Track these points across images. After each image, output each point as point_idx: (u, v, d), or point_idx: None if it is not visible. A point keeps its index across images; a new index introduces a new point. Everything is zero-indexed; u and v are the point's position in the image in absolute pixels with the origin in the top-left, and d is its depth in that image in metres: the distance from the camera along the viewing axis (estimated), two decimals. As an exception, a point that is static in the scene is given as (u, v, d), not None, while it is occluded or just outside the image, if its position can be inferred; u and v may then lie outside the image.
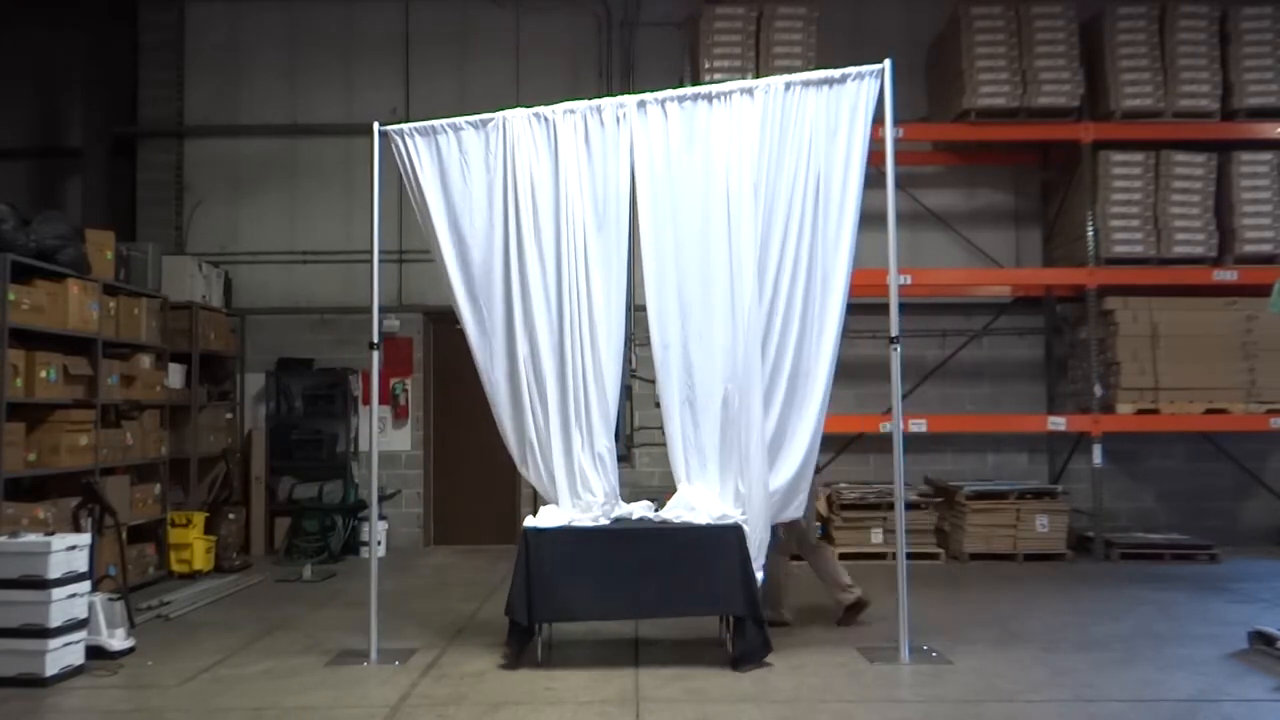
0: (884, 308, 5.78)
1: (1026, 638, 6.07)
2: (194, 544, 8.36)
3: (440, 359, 9.95)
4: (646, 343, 6.17)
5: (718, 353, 5.76)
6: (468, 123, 5.93)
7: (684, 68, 9.64)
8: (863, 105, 5.77)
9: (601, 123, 5.86)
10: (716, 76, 8.87)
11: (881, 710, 4.77)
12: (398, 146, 5.94)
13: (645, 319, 5.97)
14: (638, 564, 5.49)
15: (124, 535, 6.78)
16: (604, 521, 5.70)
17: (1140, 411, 8.94)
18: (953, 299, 9.99)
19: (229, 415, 9.74)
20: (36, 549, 5.26)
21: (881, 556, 8.58)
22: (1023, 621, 6.51)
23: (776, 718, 4.66)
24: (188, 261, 9.45)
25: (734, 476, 5.72)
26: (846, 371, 9.41)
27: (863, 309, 9.08)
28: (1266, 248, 9.09)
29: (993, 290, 10.08)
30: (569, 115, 5.87)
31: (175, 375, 8.79)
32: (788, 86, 5.79)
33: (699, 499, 5.74)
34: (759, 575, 5.54)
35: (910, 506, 8.12)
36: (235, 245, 10.22)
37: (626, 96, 5.96)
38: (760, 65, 8.96)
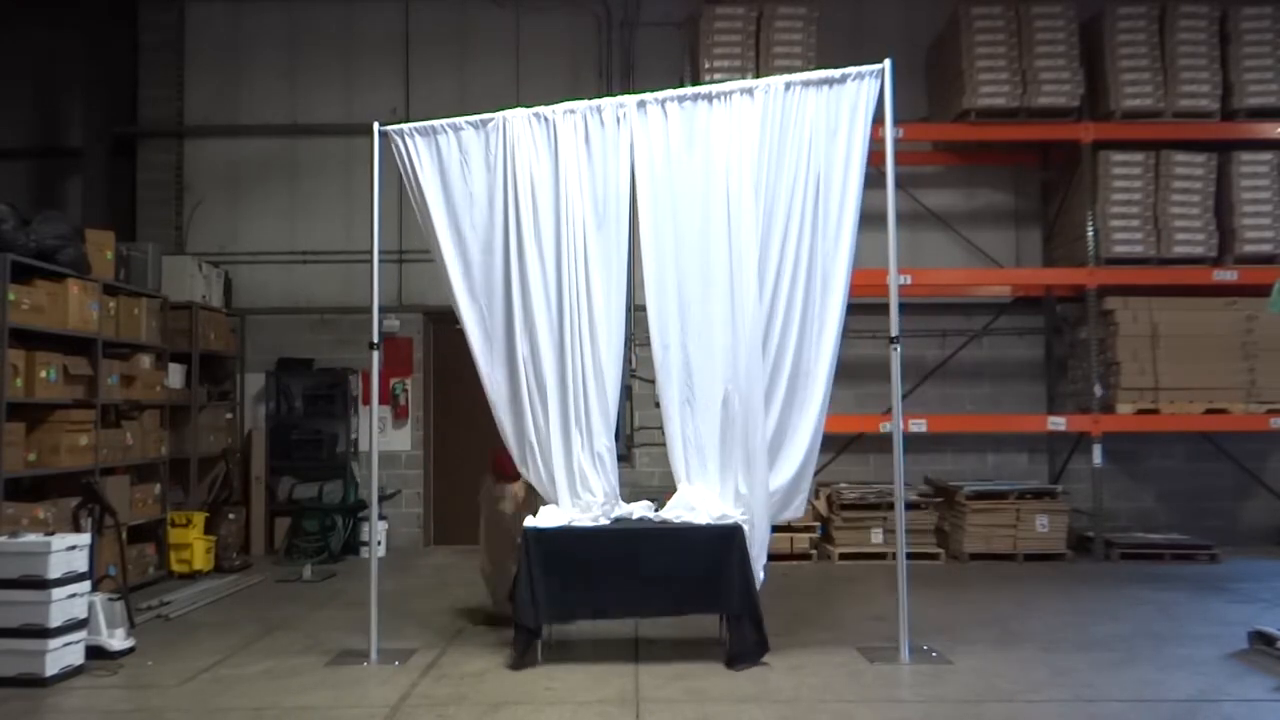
0: (884, 308, 5.78)
1: (1026, 638, 6.07)
2: (194, 544, 8.36)
3: (440, 359, 9.95)
4: (646, 343, 6.17)
5: (718, 353, 5.76)
6: (468, 123, 5.93)
7: (684, 68, 9.64)
8: (863, 105, 5.77)
9: (601, 123, 5.86)
10: (716, 76, 8.87)
11: (881, 710, 4.77)
12: (397, 146, 5.95)
13: (645, 319, 5.97)
14: (638, 564, 5.49)
15: (124, 535, 6.78)
16: (604, 521, 5.70)
17: (1140, 411, 8.94)
18: (953, 299, 9.99)
19: (229, 415, 9.74)
20: (36, 549, 5.26)
21: (881, 556, 8.58)
22: (1023, 621, 6.51)
23: (777, 718, 4.66)
24: (188, 261, 9.45)
25: (734, 476, 5.73)
26: (846, 371, 9.42)
27: (863, 309, 9.08)
28: (1266, 248, 9.09)
29: (993, 290, 10.08)
30: (569, 115, 5.87)
31: (175, 375, 8.79)
32: (788, 86, 5.79)
33: (699, 499, 5.75)
34: (759, 575, 5.55)
35: (910, 506, 8.12)
36: (235, 245, 10.22)
37: (626, 96, 5.97)
38: (760, 65, 8.97)
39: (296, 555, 9.04)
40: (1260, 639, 5.70)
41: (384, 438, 9.61)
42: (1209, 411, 8.92)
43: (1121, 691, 4.99)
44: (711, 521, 5.59)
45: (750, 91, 5.80)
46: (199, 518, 8.54)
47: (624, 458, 5.91)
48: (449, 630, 6.32)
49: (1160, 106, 9.08)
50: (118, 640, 5.72)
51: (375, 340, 5.96)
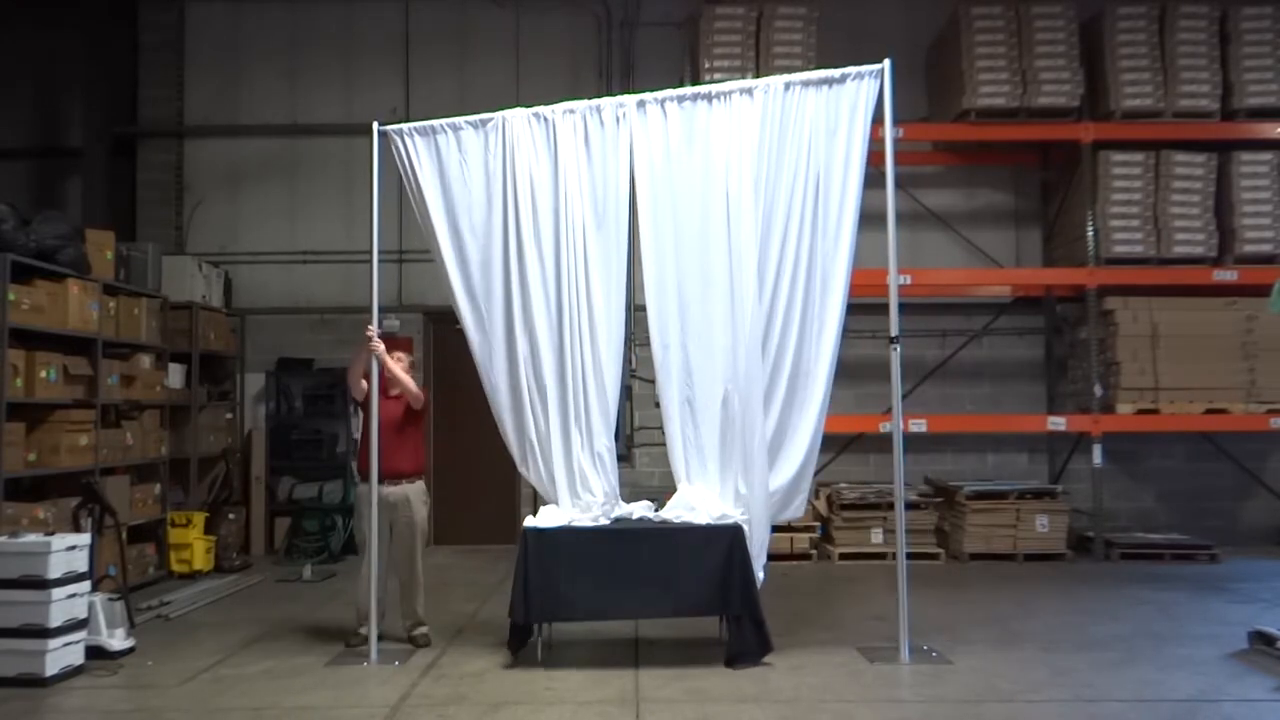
0: (884, 308, 5.78)
1: (1026, 638, 6.07)
2: (194, 544, 8.36)
3: (440, 359, 9.96)
4: (646, 343, 6.17)
5: (717, 352, 5.76)
6: (467, 122, 5.93)
7: (684, 68, 9.64)
8: (862, 105, 5.77)
9: (601, 122, 5.86)
10: (716, 76, 8.87)
11: (881, 710, 4.77)
12: (397, 146, 5.94)
13: (645, 319, 5.97)
14: (638, 564, 5.49)
15: (124, 535, 6.78)
16: (604, 521, 5.70)
17: (1140, 411, 8.94)
18: (953, 299, 9.99)
19: (229, 415, 9.74)
20: (36, 549, 5.26)
21: (881, 556, 8.58)
22: (1023, 621, 6.51)
23: (777, 718, 4.66)
24: (188, 261, 9.45)
25: (734, 476, 5.72)
26: (846, 371, 9.42)
27: (863, 309, 9.07)
28: (1266, 248, 9.09)
29: (993, 290, 10.08)
30: (569, 115, 5.87)
31: (175, 375, 8.79)
32: (787, 86, 5.79)
33: (699, 499, 5.74)
34: (759, 575, 5.55)
35: (910, 506, 8.12)
36: (235, 245, 10.22)
37: (626, 96, 5.97)
38: (760, 65, 8.97)
39: (296, 555, 9.05)
40: (1260, 639, 5.71)
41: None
42: (1209, 411, 8.92)
43: (1121, 691, 4.99)
44: (711, 521, 5.58)
45: (750, 91, 5.81)
46: (199, 518, 8.54)
47: (624, 458, 5.91)
48: (449, 630, 6.32)
49: (1160, 106, 9.08)
50: (118, 640, 5.72)
51: (377, 331, 5.94)
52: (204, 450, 9.17)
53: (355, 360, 6.05)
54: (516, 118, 5.90)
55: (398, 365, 6.05)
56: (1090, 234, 9.08)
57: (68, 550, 5.38)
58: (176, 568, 8.31)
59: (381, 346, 5.88)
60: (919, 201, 9.98)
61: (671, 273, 5.83)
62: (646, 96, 5.89)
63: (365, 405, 5.96)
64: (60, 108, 10.45)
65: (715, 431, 5.77)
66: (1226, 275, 8.96)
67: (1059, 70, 9.12)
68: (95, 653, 5.55)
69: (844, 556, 8.78)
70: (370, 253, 5.98)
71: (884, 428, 8.54)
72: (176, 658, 5.77)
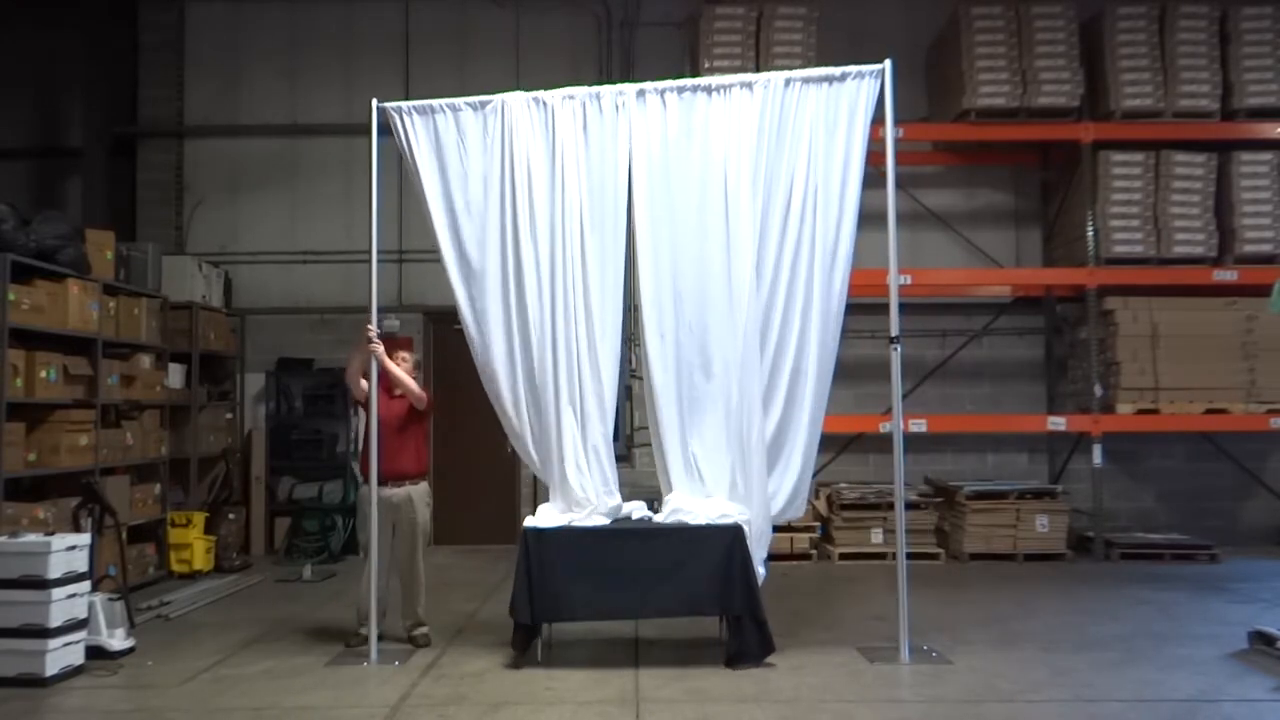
0: (884, 308, 5.78)
1: (1026, 638, 6.07)
2: (194, 544, 8.36)
3: (440, 359, 9.95)
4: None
5: (714, 345, 5.74)
6: (466, 103, 5.91)
7: (684, 68, 9.63)
8: (863, 104, 5.78)
9: (600, 109, 5.84)
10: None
11: (881, 710, 4.77)
12: (395, 124, 5.89)
13: (641, 317, 5.91)
14: (638, 564, 5.48)
15: (124, 535, 6.78)
16: (603, 521, 5.69)
17: (1140, 411, 8.94)
18: (953, 299, 9.99)
19: (229, 415, 9.74)
20: (36, 549, 5.26)
21: (881, 556, 8.58)
22: (1023, 621, 6.51)
23: (777, 718, 4.66)
24: (188, 261, 9.45)
25: (732, 474, 5.70)
26: (846, 371, 9.41)
27: (863, 309, 9.07)
28: (1266, 248, 9.09)
29: (993, 290, 10.08)
30: (568, 101, 5.85)
31: (175, 375, 8.79)
32: (787, 83, 5.80)
33: (698, 498, 5.73)
34: (760, 574, 5.54)
35: (910, 506, 8.11)
36: (235, 245, 10.22)
37: (626, 85, 5.95)
38: (760, 65, 8.96)
39: (296, 555, 9.05)
40: (1260, 639, 5.71)
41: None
42: (1209, 411, 8.92)
43: (1121, 691, 4.99)
44: (711, 521, 5.58)
45: (750, 85, 5.81)
46: (199, 518, 8.54)
47: (624, 458, 5.89)
48: (449, 630, 6.32)
49: (1160, 106, 9.08)
50: (118, 640, 5.72)
51: (376, 331, 5.94)
52: (204, 450, 9.17)
53: (352, 359, 6.05)
54: (515, 101, 5.88)
55: (401, 366, 6.05)
56: (1090, 234, 9.08)
57: (68, 550, 5.38)
58: (176, 568, 8.31)
59: (380, 348, 5.87)
60: (919, 201, 9.98)
61: (667, 264, 5.79)
62: (646, 86, 5.88)
63: (367, 405, 5.96)
64: (60, 108, 10.45)
65: (714, 428, 5.74)
66: (1226, 275, 8.96)
67: (1059, 70, 9.12)
68: (95, 653, 5.55)
69: (844, 556, 8.78)
70: (370, 253, 5.97)
71: (884, 428, 8.54)
72: (176, 658, 5.77)
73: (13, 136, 10.43)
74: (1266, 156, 9.21)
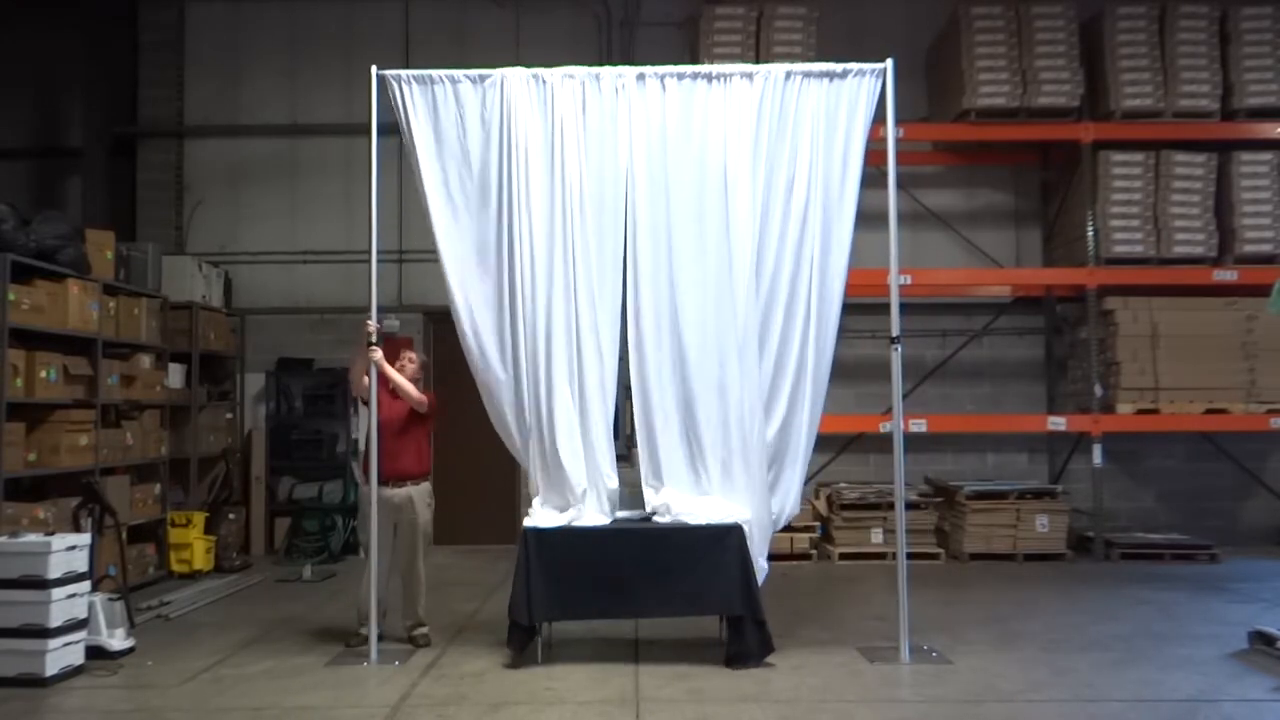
0: (884, 308, 5.78)
1: (1026, 638, 6.07)
2: (194, 544, 8.36)
3: (440, 359, 9.92)
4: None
5: (711, 338, 5.71)
6: (465, 76, 5.83)
7: (684, 67, 9.64)
8: (863, 102, 5.79)
9: (600, 91, 5.80)
10: (716, 76, 8.87)
11: (881, 710, 4.77)
12: (394, 93, 5.80)
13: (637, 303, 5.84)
14: (638, 564, 5.49)
15: (124, 535, 6.78)
16: (602, 516, 5.68)
17: (1140, 411, 8.94)
18: (953, 299, 9.99)
19: (229, 415, 9.74)
20: (36, 549, 5.26)
21: (881, 556, 8.58)
22: (1023, 621, 6.51)
23: (777, 718, 4.66)
24: (188, 261, 9.44)
25: (731, 472, 5.69)
26: (846, 371, 9.47)
27: (863, 309, 9.08)
28: (1266, 248, 9.09)
29: (993, 290, 10.08)
30: (568, 80, 5.81)
31: (175, 375, 8.79)
32: (788, 75, 5.80)
33: (693, 496, 5.72)
34: (761, 573, 5.54)
35: (910, 506, 8.11)
36: (235, 245, 10.22)
37: (626, 68, 5.92)
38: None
39: (296, 555, 9.05)
40: (1260, 639, 5.71)
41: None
42: (1209, 411, 8.92)
43: (1121, 691, 4.99)
44: (711, 521, 5.57)
45: (750, 76, 5.81)
46: (199, 518, 8.53)
47: (623, 457, 5.87)
48: (449, 630, 6.32)
49: (1160, 106, 9.08)
50: (118, 640, 5.72)
51: (375, 340, 5.94)
52: (204, 450, 9.17)
53: (355, 363, 6.04)
54: (515, 76, 5.83)
55: (408, 367, 6.05)
56: (1090, 234, 9.08)
57: (68, 550, 5.38)
58: (176, 568, 8.30)
59: (379, 355, 5.86)
60: (919, 201, 9.98)
61: (665, 251, 5.76)
62: (646, 70, 5.86)
63: (369, 404, 5.95)
64: (60, 108, 10.45)
65: (709, 422, 5.71)
66: (1226, 275, 8.96)
67: (1059, 70, 9.12)
68: (95, 653, 5.55)
69: (844, 556, 8.78)
70: (370, 253, 5.96)
71: (884, 428, 8.54)
72: (176, 658, 5.76)
73: (13, 136, 10.43)
74: (1266, 156, 9.21)
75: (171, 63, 10.36)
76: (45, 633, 5.17)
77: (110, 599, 5.82)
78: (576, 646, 5.89)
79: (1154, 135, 9.17)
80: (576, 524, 5.63)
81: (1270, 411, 8.86)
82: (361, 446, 6.22)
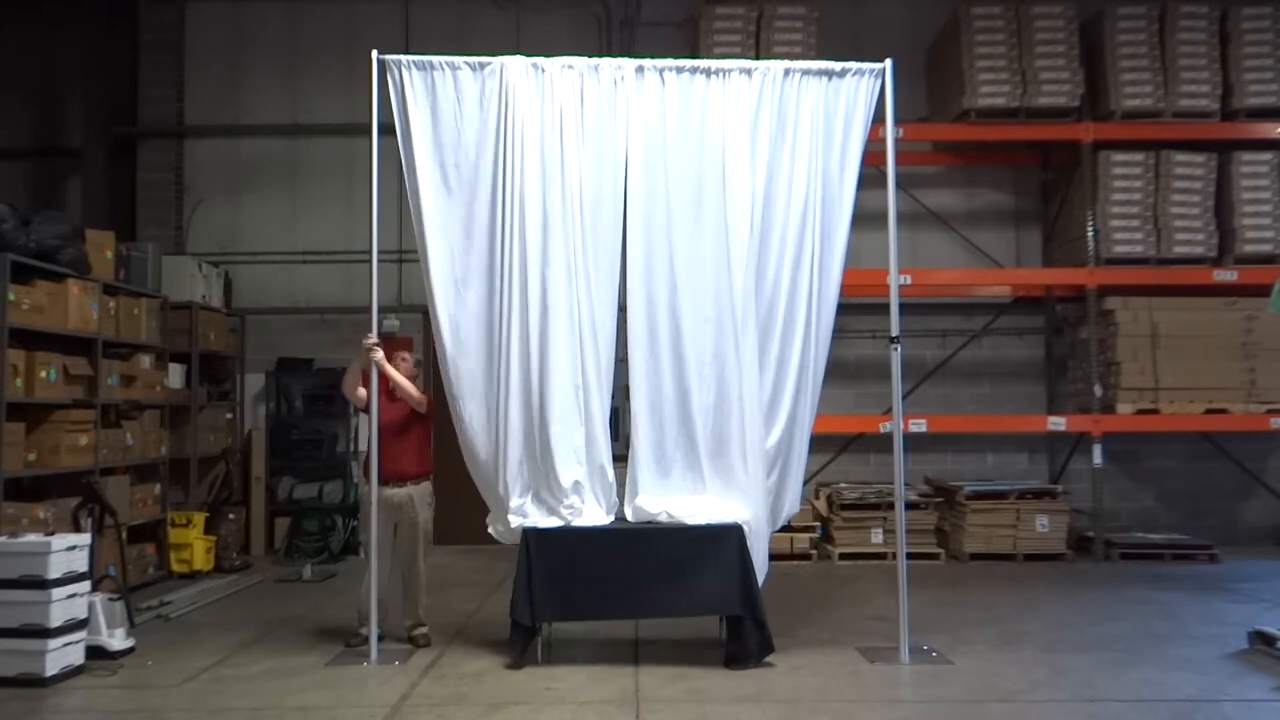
0: (884, 308, 5.78)
1: (1026, 638, 6.07)
2: (194, 544, 8.36)
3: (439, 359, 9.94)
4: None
5: (706, 336, 5.70)
6: (465, 63, 5.79)
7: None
8: (862, 101, 5.80)
9: (599, 81, 5.77)
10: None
11: (881, 710, 4.77)
12: (394, 77, 5.75)
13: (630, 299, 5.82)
14: (638, 564, 5.48)
15: (124, 535, 6.78)
16: (600, 511, 5.67)
17: (1140, 411, 8.94)
18: (953, 299, 9.99)
19: (229, 415, 9.74)
20: (36, 549, 5.26)
21: (881, 556, 8.58)
22: (1023, 621, 6.51)
23: (777, 718, 4.66)
24: (188, 261, 9.45)
25: (731, 472, 5.68)
26: (846, 371, 9.49)
27: (863, 309, 9.11)
28: (1266, 248, 9.09)
29: (993, 290, 10.08)
30: (567, 70, 5.78)
31: (175, 375, 8.79)
32: (787, 72, 5.80)
33: (697, 498, 5.72)
34: (761, 572, 5.54)
35: (910, 506, 8.12)
36: (235, 245, 10.23)
37: (625, 60, 5.90)
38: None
39: (296, 555, 9.05)
40: (1260, 639, 5.71)
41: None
42: (1209, 411, 8.92)
43: (1121, 691, 4.99)
44: (711, 522, 5.57)
45: (749, 72, 5.81)
46: (199, 518, 8.53)
47: (621, 457, 5.86)
48: (449, 630, 6.31)
49: (1160, 106, 9.08)
50: (118, 640, 5.72)
51: (375, 340, 5.94)
52: (204, 450, 9.17)
53: (351, 370, 6.03)
54: (514, 64, 5.79)
55: (401, 365, 6.04)
56: (1090, 234, 9.08)
57: (68, 550, 5.38)
58: (176, 568, 8.30)
59: (380, 354, 5.85)
60: (919, 201, 9.98)
61: (663, 245, 5.74)
62: (645, 62, 5.84)
63: (368, 409, 5.95)
64: (60, 108, 10.45)
65: (705, 420, 5.69)
66: (1226, 275, 8.96)
67: (1059, 70, 9.12)
68: (95, 653, 5.55)
69: (844, 556, 8.78)
70: (370, 252, 5.95)
71: (884, 428, 8.54)
72: (176, 658, 5.76)
73: (13, 136, 10.43)
74: (1266, 156, 9.21)
75: (171, 63, 10.36)
76: (45, 633, 5.17)
77: (110, 599, 5.82)
78: (576, 647, 5.88)
79: (1154, 135, 9.16)
80: (575, 524, 5.62)
81: (1270, 411, 8.86)
82: (363, 448, 6.20)
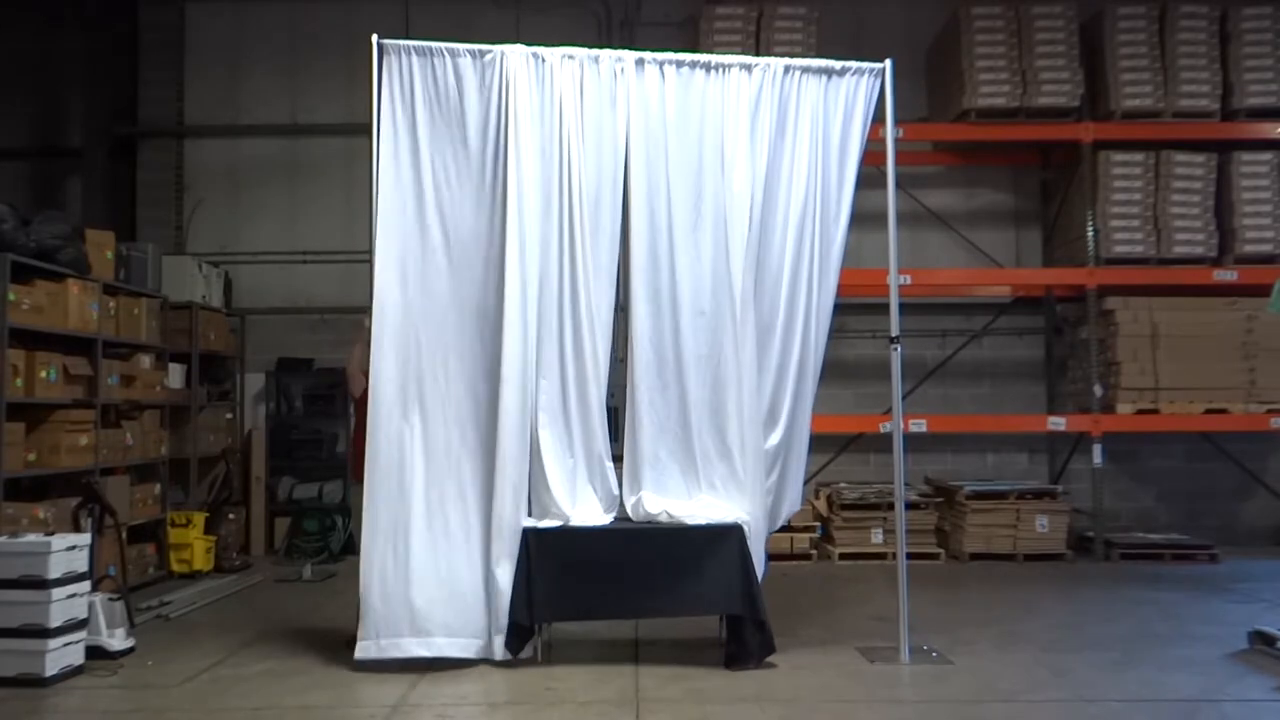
0: (884, 308, 5.78)
1: (1026, 638, 6.07)
2: (194, 544, 8.35)
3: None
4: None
5: (704, 332, 5.69)
6: (465, 50, 5.74)
7: (684, 67, 9.64)
8: (862, 100, 5.80)
9: (599, 73, 5.73)
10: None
11: (881, 710, 4.77)
12: (393, 64, 5.68)
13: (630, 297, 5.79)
14: (638, 564, 5.47)
15: (124, 535, 6.77)
16: (602, 521, 5.67)
17: (1140, 411, 8.94)
18: (953, 299, 10.00)
19: (229, 415, 9.74)
20: (36, 549, 5.25)
21: (881, 556, 8.58)
22: (1023, 621, 6.51)
23: (777, 718, 4.66)
24: (188, 261, 9.44)
25: (731, 472, 5.67)
26: (846, 371, 9.49)
27: (863, 309, 9.11)
28: (1266, 248, 9.10)
29: (993, 290, 10.08)
30: (567, 61, 5.75)
31: (175, 375, 8.79)
32: (787, 69, 5.79)
33: (697, 498, 5.72)
34: (760, 571, 5.53)
35: (910, 506, 8.12)
36: (235, 245, 10.23)
37: (625, 52, 5.86)
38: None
39: (296, 555, 9.05)
40: (1260, 639, 5.71)
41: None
42: (1209, 411, 8.92)
43: (1121, 691, 4.99)
44: (711, 522, 5.57)
45: (749, 68, 5.79)
46: (199, 518, 8.53)
47: (620, 458, 5.85)
48: (449, 630, 6.30)
49: (1160, 106, 9.09)
50: (118, 640, 5.71)
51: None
52: (204, 450, 9.17)
53: (353, 355, 6.00)
54: (514, 53, 5.74)
55: None
56: (1090, 234, 9.08)
57: (68, 550, 5.37)
58: (176, 568, 8.30)
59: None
60: (919, 201, 9.98)
61: (664, 247, 5.71)
62: (645, 55, 5.80)
63: (360, 403, 5.92)
64: (60, 108, 10.45)
65: (702, 419, 5.68)
66: (1226, 275, 8.96)
67: (1059, 70, 9.12)
68: (95, 653, 5.54)
69: (844, 556, 8.78)
70: (370, 252, 5.94)
71: (884, 428, 8.54)
72: (176, 658, 5.76)
73: (13, 136, 10.43)
74: (1266, 156, 9.22)
75: (171, 63, 10.36)
76: (45, 633, 5.17)
77: (110, 599, 5.82)
78: (576, 646, 5.88)
79: (1154, 135, 9.17)
80: (575, 524, 5.60)
81: (1270, 411, 8.86)
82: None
